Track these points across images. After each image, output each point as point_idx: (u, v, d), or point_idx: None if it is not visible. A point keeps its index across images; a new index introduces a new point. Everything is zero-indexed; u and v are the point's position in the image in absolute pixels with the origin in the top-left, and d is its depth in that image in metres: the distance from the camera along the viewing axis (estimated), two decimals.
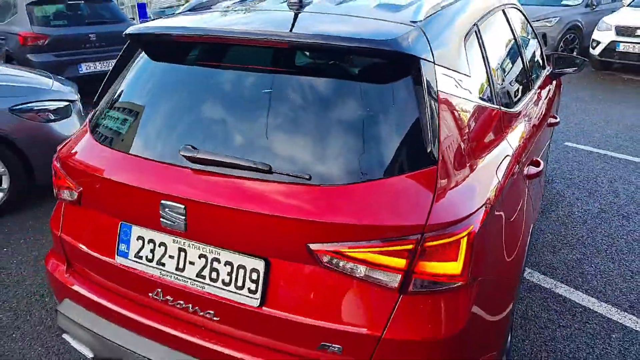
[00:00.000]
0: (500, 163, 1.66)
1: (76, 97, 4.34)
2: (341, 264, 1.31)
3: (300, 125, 1.45)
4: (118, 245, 1.65)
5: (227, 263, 1.46)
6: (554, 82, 3.23)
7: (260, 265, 1.42)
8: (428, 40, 1.49)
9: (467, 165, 1.47)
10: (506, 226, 1.60)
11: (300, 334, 1.40)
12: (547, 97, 2.86)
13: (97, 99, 1.90)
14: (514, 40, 2.49)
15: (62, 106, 4.07)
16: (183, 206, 1.44)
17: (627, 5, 8.85)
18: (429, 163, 1.35)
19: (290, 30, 1.51)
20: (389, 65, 1.44)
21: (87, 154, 1.72)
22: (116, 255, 1.66)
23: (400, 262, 1.28)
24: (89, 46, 7.15)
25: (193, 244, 1.51)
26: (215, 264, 1.48)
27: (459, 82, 1.59)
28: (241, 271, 1.44)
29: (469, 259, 1.30)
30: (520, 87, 2.37)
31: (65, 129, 4.06)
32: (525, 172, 1.94)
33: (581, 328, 2.54)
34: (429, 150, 1.35)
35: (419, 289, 1.30)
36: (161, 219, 1.49)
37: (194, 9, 2.02)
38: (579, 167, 4.66)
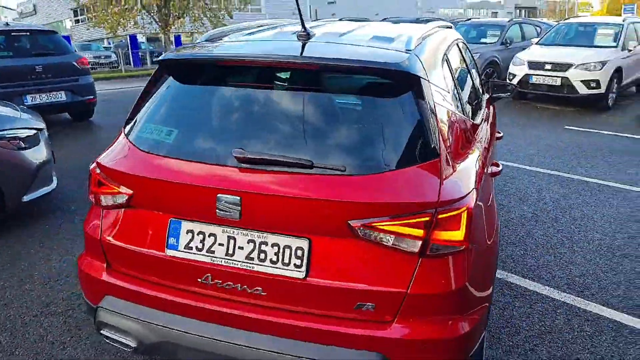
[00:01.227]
0: (477, 159, 2.09)
1: (43, 125, 4.38)
2: (373, 235, 1.65)
3: (333, 129, 1.79)
4: (167, 239, 1.87)
5: (274, 245, 1.74)
6: (491, 106, 3.83)
7: (304, 243, 1.71)
8: (422, 64, 1.92)
9: (458, 159, 1.89)
10: (485, 208, 2.02)
11: (339, 298, 1.70)
12: (492, 115, 3.42)
13: (131, 116, 2.12)
14: (466, 68, 3.02)
15: (31, 134, 4.10)
16: (239, 198, 1.70)
17: (536, 44, 10.16)
18: (434, 156, 1.73)
19: (301, 55, 1.89)
20: (397, 82, 1.83)
21: (137, 162, 1.92)
22: (166, 249, 1.86)
23: (419, 232, 1.64)
24: (34, 77, 7.07)
25: (242, 232, 1.77)
26: (263, 247, 1.75)
27: (444, 96, 2.02)
28: (287, 250, 1.73)
29: (468, 228, 1.69)
30: (475, 104, 2.88)
31: (35, 157, 4.10)
32: (489, 170, 2.40)
33: (532, 307, 3.02)
34: (432, 147, 1.74)
35: (434, 252, 1.66)
36: (217, 211, 1.73)
37: (210, 40, 2.34)
38: (511, 180, 5.35)
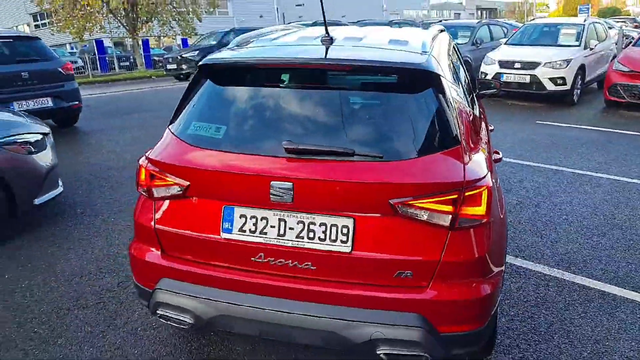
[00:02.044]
0: (485, 146, 2.39)
1: (48, 130, 4.47)
2: (410, 211, 1.91)
3: (367, 122, 2.05)
4: (222, 224, 2.07)
5: (321, 224, 1.98)
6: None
7: (349, 222, 1.96)
8: (439, 63, 2.20)
9: (472, 146, 2.17)
10: (496, 188, 2.32)
11: (381, 268, 1.96)
12: (483, 109, 3.75)
13: (175, 116, 2.31)
14: (460, 66, 3.34)
15: (39, 139, 4.20)
16: (291, 184, 1.93)
17: (505, 44, 10.70)
18: (456, 143, 2.01)
19: (335, 58, 2.14)
20: (420, 79, 2.10)
21: (192, 156, 2.11)
22: (221, 232, 2.07)
23: (449, 208, 1.91)
24: (21, 84, 7.06)
25: (292, 214, 2.00)
26: (311, 227, 1.98)
27: (456, 91, 2.31)
28: (334, 228, 1.97)
29: (488, 204, 1.97)
30: (470, 99, 3.20)
31: (43, 160, 4.20)
32: (492, 157, 2.71)
33: (526, 282, 3.35)
34: (454, 135, 2.02)
35: (461, 225, 1.94)
36: (271, 196, 1.96)
37: (240, 45, 2.56)
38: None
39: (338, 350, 2.12)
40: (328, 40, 2.31)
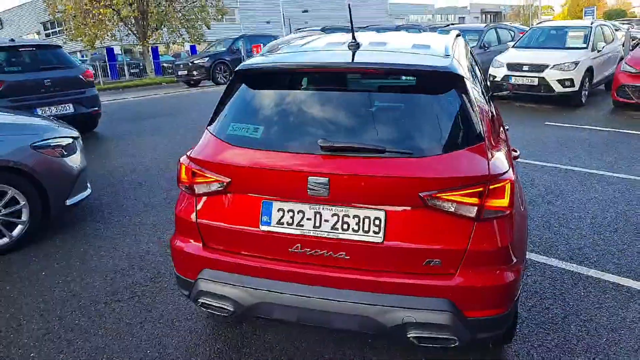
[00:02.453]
0: (505, 143, 2.54)
1: (77, 134, 4.67)
2: (438, 204, 2.06)
3: (397, 121, 2.21)
4: (261, 217, 2.23)
5: (355, 216, 2.12)
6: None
7: (381, 214, 2.11)
8: (461, 65, 2.35)
9: (494, 143, 2.32)
10: (518, 183, 2.46)
11: (411, 256, 2.10)
12: (497, 109, 3.90)
13: (213, 118, 2.47)
14: (477, 68, 3.49)
15: (70, 142, 4.39)
16: (327, 179, 2.09)
17: (513, 47, 10.84)
18: (480, 140, 2.16)
19: (365, 62, 2.31)
20: (446, 81, 2.25)
21: (233, 155, 2.27)
22: (260, 225, 2.23)
23: (475, 200, 2.05)
24: (44, 91, 7.29)
25: (327, 207, 2.15)
26: (345, 219, 2.13)
27: (477, 91, 2.46)
28: (367, 220, 2.11)
29: (511, 197, 2.12)
30: (488, 99, 3.34)
31: (74, 163, 4.38)
32: (511, 155, 2.85)
33: (543, 275, 3.48)
34: (478, 132, 2.17)
35: (486, 217, 2.08)
36: (308, 190, 2.11)
37: (272, 51, 2.73)
38: None
39: (371, 335, 2.26)
40: (355, 45, 2.47)
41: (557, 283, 3.37)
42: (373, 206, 2.12)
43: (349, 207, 2.13)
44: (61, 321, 3.06)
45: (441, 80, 2.27)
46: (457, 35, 3.32)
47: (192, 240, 2.41)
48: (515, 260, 2.21)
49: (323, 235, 2.16)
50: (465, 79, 2.26)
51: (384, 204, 2.12)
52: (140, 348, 2.78)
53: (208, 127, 2.48)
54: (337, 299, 2.14)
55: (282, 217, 2.21)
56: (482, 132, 2.18)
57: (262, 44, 17.71)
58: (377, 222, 2.12)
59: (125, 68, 28.40)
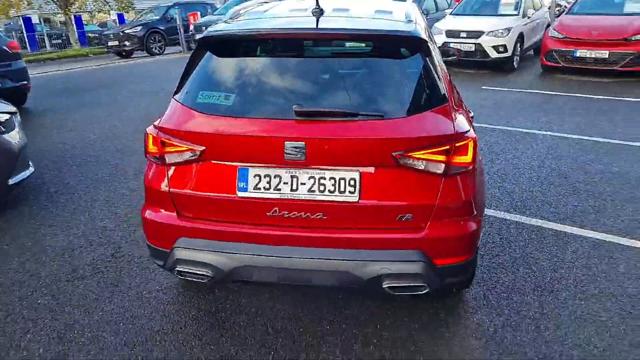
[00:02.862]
0: (464, 105, 2.69)
1: (15, 109, 4.38)
2: (409, 162, 2.17)
3: (367, 85, 2.28)
4: (237, 184, 2.25)
5: (331, 178, 2.19)
6: None
7: (356, 174, 2.19)
8: (423, 30, 2.45)
9: (457, 103, 2.46)
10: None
11: (385, 213, 2.22)
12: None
13: (179, 88, 2.43)
14: (431, 33, 3.62)
15: (7, 118, 4.12)
16: (303, 143, 2.13)
17: (450, 14, 11.15)
18: (445, 101, 2.28)
19: (332, 28, 2.35)
20: (411, 45, 2.34)
21: (206, 123, 2.25)
22: (237, 191, 2.25)
23: (443, 157, 2.18)
24: None
25: (303, 171, 2.20)
26: (322, 181, 2.20)
27: (438, 55, 2.58)
28: (342, 181, 2.19)
29: (474, 153, 2.27)
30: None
31: (14, 139, 4.13)
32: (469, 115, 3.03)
33: (491, 226, 3.76)
34: (443, 94, 2.29)
35: (452, 173, 2.22)
36: (285, 155, 2.14)
37: (234, 17, 2.70)
38: None
39: (345, 292, 2.38)
40: (319, 12, 2.49)
41: (503, 232, 3.66)
42: (348, 168, 2.20)
43: (324, 169, 2.20)
44: (22, 302, 2.96)
45: (407, 45, 2.36)
46: (412, 2, 3.41)
47: (165, 210, 2.40)
48: (476, 212, 2.39)
49: (300, 198, 2.22)
50: (428, 43, 2.36)
51: (358, 165, 2.20)
52: (112, 321, 2.76)
53: (174, 97, 2.44)
54: (316, 257, 2.23)
55: (258, 182, 2.25)
56: (445, 93, 2.31)
57: (198, 12, 17.04)
58: (352, 182, 2.20)
59: (46, 39, 26.29)
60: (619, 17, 9.39)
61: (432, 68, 2.32)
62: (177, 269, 2.40)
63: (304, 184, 2.22)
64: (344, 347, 2.54)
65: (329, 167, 2.20)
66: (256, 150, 2.23)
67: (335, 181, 2.21)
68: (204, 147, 2.26)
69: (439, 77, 2.32)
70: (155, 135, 2.36)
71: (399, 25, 2.42)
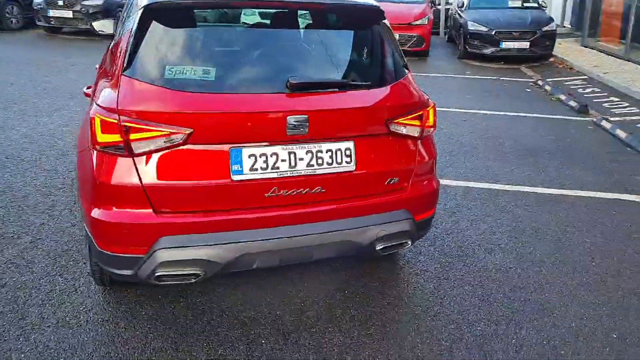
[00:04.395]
0: None
1: None
2: (396, 128, 2.33)
3: (351, 56, 2.44)
4: (231, 167, 2.06)
5: (328, 150, 2.20)
6: None
7: (350, 144, 2.26)
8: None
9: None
10: None
11: (377, 179, 2.35)
12: None
13: (129, 63, 2.07)
14: None
15: None
16: (306, 116, 2.11)
17: None
18: (407, 70, 2.50)
19: None
20: (376, 18, 2.48)
21: (186, 102, 2.02)
22: (232, 175, 2.07)
23: (418, 122, 2.40)
24: None
25: (301, 146, 2.14)
26: (319, 154, 2.19)
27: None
28: (339, 152, 2.22)
29: (434, 119, 2.50)
30: None
31: None
32: None
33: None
34: (404, 64, 2.50)
35: (423, 136, 2.44)
36: (288, 131, 2.08)
37: None
38: None
39: (344, 257, 2.45)
40: None
41: (450, 196, 4.00)
42: (343, 138, 2.25)
43: (321, 142, 2.20)
44: None
45: (374, 17, 2.50)
46: None
47: (134, 208, 2.06)
48: (435, 170, 2.64)
49: (300, 174, 2.17)
50: (385, 15, 2.52)
51: (352, 135, 2.27)
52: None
53: (124, 73, 2.07)
54: (318, 232, 2.22)
55: (254, 163, 2.11)
56: (404, 63, 2.53)
57: None
58: (347, 152, 2.25)
59: None
60: (405, 4, 10.70)
61: (393, 38, 2.51)
62: (157, 274, 2.09)
63: (302, 159, 2.16)
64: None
65: (327, 139, 2.20)
66: (253, 128, 2.10)
67: (332, 153, 2.21)
68: (191, 129, 2.01)
69: (398, 47, 2.52)
70: (110, 120, 1.98)
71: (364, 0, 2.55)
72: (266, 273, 2.84)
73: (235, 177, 2.09)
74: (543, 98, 7.78)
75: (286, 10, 2.46)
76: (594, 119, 6.45)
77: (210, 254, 2.10)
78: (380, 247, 2.41)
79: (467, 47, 10.54)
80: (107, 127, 2.00)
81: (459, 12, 11.48)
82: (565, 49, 11.48)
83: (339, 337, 2.42)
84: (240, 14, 2.46)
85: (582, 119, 6.59)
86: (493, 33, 10.18)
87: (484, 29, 10.27)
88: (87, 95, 3.46)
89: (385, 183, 2.40)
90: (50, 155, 4.51)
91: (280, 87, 2.17)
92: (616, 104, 7.31)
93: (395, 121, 2.34)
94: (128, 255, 2.09)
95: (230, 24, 2.43)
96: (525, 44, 10.17)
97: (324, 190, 2.25)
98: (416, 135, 2.42)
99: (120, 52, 2.22)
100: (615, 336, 2.49)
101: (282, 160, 2.15)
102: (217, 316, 2.55)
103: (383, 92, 2.37)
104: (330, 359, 2.29)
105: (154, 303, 2.61)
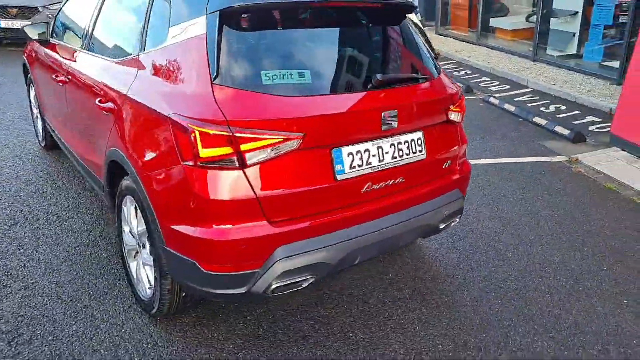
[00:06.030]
0: None
1: None
2: (450, 115, 2.59)
3: (402, 51, 2.61)
4: (334, 167, 2.13)
5: (405, 142, 2.37)
6: None
7: (420, 134, 2.44)
8: None
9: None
10: None
11: (440, 163, 2.59)
12: None
13: (218, 71, 2.00)
14: None
15: None
16: (396, 111, 2.26)
17: None
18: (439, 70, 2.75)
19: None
20: (407, 14, 2.68)
21: (295, 106, 2.03)
22: (336, 175, 2.13)
23: (459, 109, 2.67)
24: None
25: (385, 140, 2.28)
26: (399, 146, 2.34)
27: None
28: (413, 142, 2.40)
29: (464, 110, 2.81)
30: None
31: None
32: None
33: None
34: (434, 55, 2.78)
35: (459, 121, 2.72)
36: (383, 126, 2.21)
37: None
38: None
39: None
40: None
41: None
42: (415, 128, 2.42)
43: (399, 135, 2.34)
44: None
45: (407, 14, 2.70)
46: None
47: (247, 222, 2.01)
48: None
49: (387, 167, 2.30)
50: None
51: (421, 125, 2.46)
52: None
53: (215, 82, 1.99)
54: (404, 220, 2.38)
55: (352, 161, 2.18)
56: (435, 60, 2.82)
57: None
58: (419, 142, 2.44)
59: None
60: None
61: (424, 34, 2.76)
62: (273, 286, 2.08)
63: (387, 152, 2.29)
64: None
65: (405, 132, 2.36)
66: (354, 127, 2.17)
67: (408, 143, 2.38)
68: (304, 134, 2.02)
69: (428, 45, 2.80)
70: (216, 133, 1.92)
71: None
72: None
73: (339, 177, 2.15)
74: None
75: (357, 9, 2.49)
76: (482, 97, 7.47)
77: (325, 256, 2.13)
78: (443, 225, 2.68)
79: None
80: (210, 140, 1.92)
81: None
82: None
83: None
84: (312, 14, 2.36)
85: (470, 97, 7.56)
86: None
87: None
88: None
89: (443, 167, 2.66)
90: None
91: (368, 84, 2.28)
92: (489, 83, 8.52)
93: (451, 109, 2.61)
94: (242, 272, 2.04)
95: (306, 25, 2.34)
96: None
97: (403, 180, 2.41)
98: (459, 120, 2.71)
99: (192, 62, 2.09)
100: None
101: (373, 156, 2.26)
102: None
103: (439, 82, 2.61)
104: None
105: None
